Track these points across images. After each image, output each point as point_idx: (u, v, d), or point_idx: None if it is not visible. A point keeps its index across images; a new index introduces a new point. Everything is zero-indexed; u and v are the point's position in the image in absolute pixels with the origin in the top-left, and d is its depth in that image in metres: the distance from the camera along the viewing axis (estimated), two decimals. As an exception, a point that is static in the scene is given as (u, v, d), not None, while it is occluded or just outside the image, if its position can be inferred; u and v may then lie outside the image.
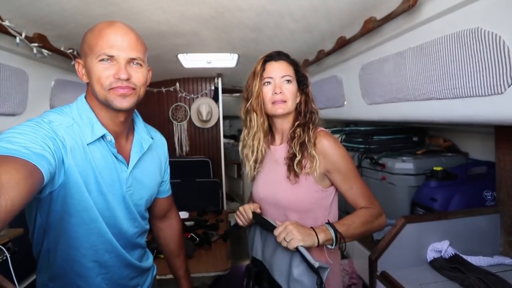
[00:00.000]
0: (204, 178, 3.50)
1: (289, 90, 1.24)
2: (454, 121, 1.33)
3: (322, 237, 1.08)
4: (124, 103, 0.95)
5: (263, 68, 1.26)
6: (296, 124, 1.27)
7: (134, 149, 1.08)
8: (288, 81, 1.25)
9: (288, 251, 1.10)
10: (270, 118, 1.32)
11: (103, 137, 0.98)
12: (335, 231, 1.10)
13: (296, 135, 1.25)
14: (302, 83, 1.30)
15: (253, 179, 1.39)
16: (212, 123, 3.93)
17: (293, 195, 1.25)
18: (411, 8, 1.23)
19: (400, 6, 1.27)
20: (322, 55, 2.16)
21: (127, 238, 1.10)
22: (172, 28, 1.74)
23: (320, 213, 1.26)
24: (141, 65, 0.98)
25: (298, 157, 1.22)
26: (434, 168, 1.83)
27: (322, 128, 1.29)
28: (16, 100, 1.52)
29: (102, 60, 0.91)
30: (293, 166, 1.23)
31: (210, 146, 4.05)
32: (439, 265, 1.38)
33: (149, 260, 1.29)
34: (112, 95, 0.94)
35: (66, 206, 0.92)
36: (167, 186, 1.34)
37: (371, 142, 2.39)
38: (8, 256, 1.36)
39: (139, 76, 0.98)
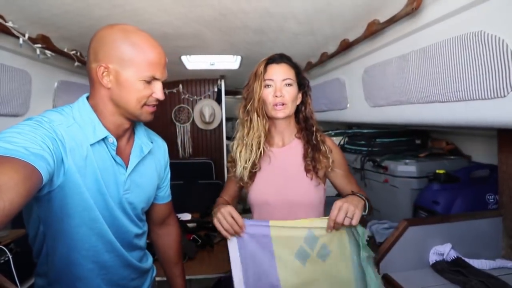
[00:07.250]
0: (206, 180, 3.50)
1: (289, 93, 1.26)
2: (457, 124, 1.33)
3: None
4: (151, 117, 1.04)
5: (264, 70, 1.27)
6: (308, 124, 1.33)
7: (133, 152, 1.09)
8: (289, 84, 1.27)
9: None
10: (270, 120, 1.32)
11: (104, 139, 0.98)
12: (365, 198, 1.18)
13: (311, 136, 1.31)
14: (302, 86, 1.33)
15: (244, 180, 1.34)
16: (215, 125, 3.94)
17: (309, 193, 1.29)
18: (414, 11, 1.23)
19: (403, 9, 1.27)
20: (325, 58, 2.16)
21: (126, 238, 1.10)
22: (176, 30, 1.75)
23: (321, 207, 1.34)
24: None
25: (320, 156, 1.28)
26: (437, 171, 1.82)
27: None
28: (19, 101, 1.53)
29: (145, 80, 0.96)
30: (314, 164, 1.28)
31: (212, 148, 4.06)
32: (441, 268, 1.37)
33: (148, 261, 1.29)
34: (144, 111, 1.00)
35: (65, 207, 0.92)
36: (166, 192, 1.32)
37: (374, 144, 2.39)
38: (10, 257, 1.37)
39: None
